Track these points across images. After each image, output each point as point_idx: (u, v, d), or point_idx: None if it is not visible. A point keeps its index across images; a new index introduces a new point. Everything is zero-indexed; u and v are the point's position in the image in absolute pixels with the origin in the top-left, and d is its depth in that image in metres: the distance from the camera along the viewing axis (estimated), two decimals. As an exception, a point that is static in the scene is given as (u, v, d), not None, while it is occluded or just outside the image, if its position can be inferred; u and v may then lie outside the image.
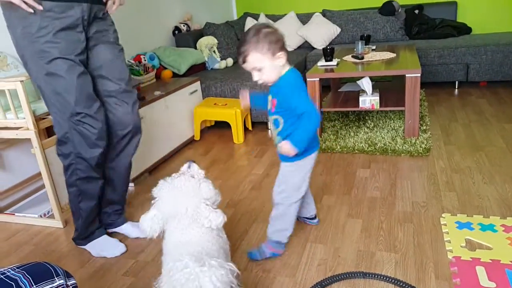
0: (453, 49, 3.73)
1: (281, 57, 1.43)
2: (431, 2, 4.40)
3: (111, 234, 1.91)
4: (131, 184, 2.42)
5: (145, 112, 2.46)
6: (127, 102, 1.71)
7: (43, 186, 2.28)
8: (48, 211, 2.16)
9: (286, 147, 1.45)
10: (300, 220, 1.87)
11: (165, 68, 3.35)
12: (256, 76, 1.46)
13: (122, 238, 1.91)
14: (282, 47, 1.43)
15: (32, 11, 1.42)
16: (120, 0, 1.69)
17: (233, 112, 2.96)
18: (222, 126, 3.29)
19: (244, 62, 1.44)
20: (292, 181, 1.59)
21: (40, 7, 1.42)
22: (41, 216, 2.13)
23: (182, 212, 1.24)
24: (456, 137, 2.71)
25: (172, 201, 1.26)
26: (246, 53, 1.41)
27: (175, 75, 3.38)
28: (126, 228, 1.94)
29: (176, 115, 2.88)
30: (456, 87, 3.89)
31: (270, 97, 1.54)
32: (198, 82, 3.21)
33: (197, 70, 3.66)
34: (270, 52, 1.40)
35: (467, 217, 1.79)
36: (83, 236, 1.82)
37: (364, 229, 1.78)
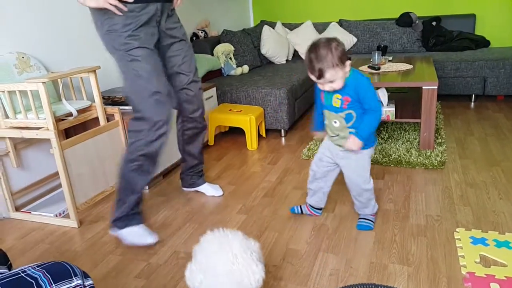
0: (470, 62, 3.71)
1: (348, 65, 1.60)
2: (449, 14, 4.38)
3: (175, 194, 2.35)
4: (146, 187, 2.44)
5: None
6: (193, 90, 2.04)
7: (59, 186, 2.33)
8: (64, 211, 2.19)
9: (355, 141, 1.66)
10: (306, 210, 2.02)
11: (182, 73, 3.38)
12: (327, 87, 1.62)
13: (195, 193, 2.34)
14: (346, 55, 1.59)
15: (120, 13, 1.69)
16: None
17: (247, 118, 2.98)
18: (237, 132, 3.31)
19: (320, 77, 1.58)
20: (368, 165, 1.82)
21: (126, 9, 1.69)
22: (56, 216, 2.16)
23: None
24: (472, 151, 2.68)
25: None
26: (323, 71, 1.55)
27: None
28: (205, 188, 2.34)
29: (191, 120, 2.91)
30: (473, 101, 3.86)
31: (338, 96, 1.67)
32: (214, 88, 3.24)
33: (213, 76, 3.69)
34: (342, 65, 1.56)
35: (481, 233, 1.77)
36: (128, 214, 1.88)
37: (377, 241, 1.78)
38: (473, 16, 4.31)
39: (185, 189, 2.40)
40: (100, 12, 1.72)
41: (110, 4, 1.66)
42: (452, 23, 4.32)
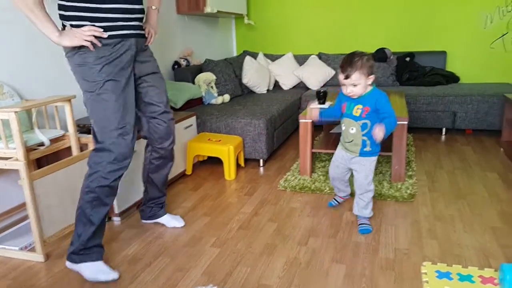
0: (441, 97, 3.88)
1: (371, 79, 2.01)
2: (421, 51, 4.60)
3: (148, 226, 2.34)
4: (118, 219, 2.45)
5: (137, 146, 2.51)
6: (164, 121, 2.09)
7: (26, 217, 2.25)
8: (30, 244, 2.11)
9: (382, 128, 1.95)
10: (340, 199, 2.51)
11: (162, 102, 3.43)
12: (349, 89, 2.01)
13: (162, 227, 2.33)
14: (373, 71, 2.00)
15: (94, 49, 1.74)
16: (155, 31, 2.07)
17: (226, 148, 3.03)
18: (215, 161, 3.35)
19: (347, 78, 1.97)
20: (373, 170, 2.19)
21: (100, 44, 1.75)
22: (21, 249, 2.08)
23: None
24: (441, 183, 2.79)
25: None
26: (351, 72, 1.95)
27: (171, 109, 3.46)
28: (166, 219, 2.34)
29: (170, 149, 2.94)
30: (443, 134, 4.02)
31: (359, 106, 2.05)
32: (194, 117, 3.30)
33: (194, 104, 3.76)
34: (367, 74, 1.98)
35: (447, 267, 1.84)
36: (85, 247, 1.86)
37: (347, 275, 1.82)
38: (444, 53, 4.53)
39: (144, 221, 2.39)
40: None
41: (86, 41, 1.71)
42: (425, 59, 4.53)
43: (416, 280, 1.76)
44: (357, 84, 1.98)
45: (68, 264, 1.90)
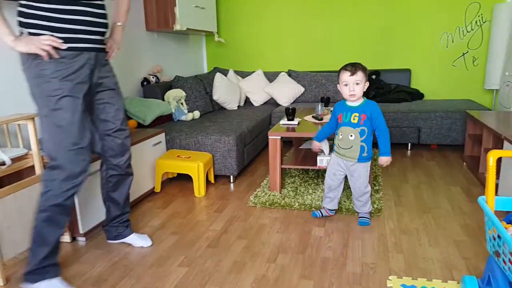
0: (406, 113, 4.01)
1: (367, 85, 2.31)
2: (387, 69, 4.75)
3: (114, 246, 2.28)
4: (83, 239, 2.38)
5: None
6: (120, 138, 2.05)
7: None
8: None
9: (387, 158, 2.32)
10: (325, 212, 2.58)
11: (130, 118, 3.40)
12: (352, 87, 2.26)
13: (129, 247, 2.28)
14: (368, 78, 2.33)
15: (49, 59, 1.69)
16: (117, 47, 2.06)
17: (195, 165, 3.01)
18: (185, 178, 3.32)
19: (353, 74, 2.25)
20: (368, 173, 2.41)
21: (57, 56, 1.70)
22: None
23: None
24: (406, 198, 2.86)
25: None
26: (358, 70, 2.25)
27: (140, 125, 3.43)
28: (132, 239, 2.29)
29: (137, 167, 2.89)
30: (409, 149, 4.14)
31: (356, 114, 2.29)
32: (163, 134, 3.27)
33: (164, 121, 3.73)
34: (366, 79, 2.30)
35: (412, 280, 1.87)
36: (41, 267, 1.80)
37: (314, 290, 1.83)
38: (408, 71, 4.70)
39: (110, 241, 2.33)
40: (29, 55, 1.69)
41: (42, 50, 1.65)
42: (390, 76, 4.68)
43: (382, 294, 1.78)
44: (359, 83, 2.25)
45: (24, 285, 1.82)
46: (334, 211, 2.59)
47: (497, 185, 2.65)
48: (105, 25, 1.89)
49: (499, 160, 2.68)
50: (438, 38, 4.64)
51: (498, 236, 1.45)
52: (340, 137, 2.36)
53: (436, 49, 4.67)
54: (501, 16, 4.04)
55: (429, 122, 3.96)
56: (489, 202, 1.58)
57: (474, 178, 3.22)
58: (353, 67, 2.25)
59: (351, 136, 2.32)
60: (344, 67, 2.29)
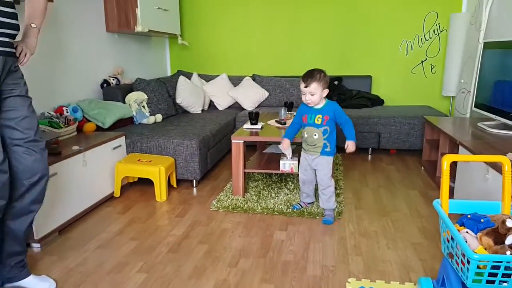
0: (366, 118, 4.10)
1: (326, 92, 2.43)
2: (349, 75, 4.85)
3: (69, 252, 2.15)
4: (38, 245, 2.26)
5: (59, 168, 2.37)
6: (35, 150, 1.75)
7: None
8: None
9: (353, 143, 2.48)
10: (304, 205, 2.76)
11: (89, 121, 3.28)
12: (308, 97, 2.40)
13: (93, 250, 2.18)
14: (328, 86, 2.43)
15: None
16: (30, 51, 1.81)
17: (156, 169, 2.94)
18: (146, 183, 3.24)
19: (306, 86, 2.38)
20: (331, 167, 2.57)
21: None
22: None
23: None
24: (366, 201, 2.91)
25: None
26: (310, 82, 2.37)
27: (99, 128, 3.31)
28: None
29: (96, 171, 2.80)
30: (369, 154, 4.24)
31: (319, 116, 2.44)
32: (123, 137, 3.18)
33: (124, 124, 3.63)
34: (323, 87, 2.40)
35: (370, 282, 1.90)
36: None
37: (275, 295, 1.82)
38: (369, 78, 4.82)
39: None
40: None
41: None
42: (352, 82, 4.78)
43: (342, 297, 1.80)
44: (314, 93, 2.38)
45: None
46: (312, 202, 2.81)
47: (453, 189, 2.75)
48: (14, 27, 1.68)
49: (455, 165, 2.78)
50: (398, 45, 4.79)
51: (452, 238, 1.50)
52: (306, 135, 2.52)
53: (396, 57, 4.82)
54: (457, 25, 4.22)
55: (389, 127, 4.07)
56: (444, 205, 1.63)
57: (432, 182, 3.33)
58: (308, 79, 2.37)
59: (315, 135, 2.48)
60: (302, 77, 2.42)
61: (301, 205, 2.76)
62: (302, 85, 2.41)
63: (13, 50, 1.71)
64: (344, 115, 2.49)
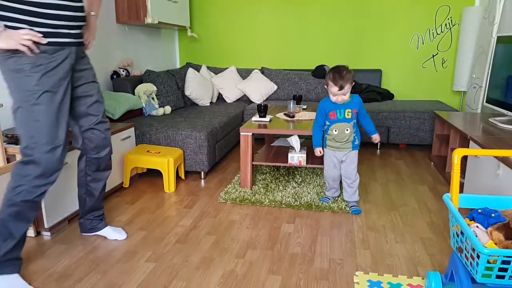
0: (376, 113, 4.07)
1: (353, 84, 2.41)
2: (359, 69, 4.81)
3: (79, 241, 2.24)
4: (48, 233, 2.29)
5: (71, 157, 2.39)
6: (101, 130, 2.04)
7: None
8: None
9: (377, 135, 2.62)
10: (332, 199, 2.76)
11: (99, 112, 3.29)
12: (340, 98, 2.39)
13: (102, 240, 2.26)
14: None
15: (32, 55, 1.65)
16: (93, 37, 2.04)
17: (165, 160, 2.96)
18: (154, 174, 3.26)
19: (341, 89, 2.35)
20: (357, 161, 2.60)
21: (38, 50, 1.66)
22: None
23: None
24: (374, 195, 2.90)
25: None
26: (344, 84, 2.34)
27: (109, 119, 3.33)
28: (107, 231, 2.27)
29: (106, 161, 2.82)
30: (378, 148, 4.21)
31: (349, 110, 2.45)
32: (132, 128, 3.19)
33: (134, 115, 3.65)
34: (352, 83, 2.39)
35: (378, 276, 1.90)
36: (2, 260, 1.76)
37: (282, 286, 1.82)
38: (379, 71, 4.78)
39: (84, 234, 2.30)
40: (6, 49, 1.64)
41: (23, 45, 1.62)
42: (362, 76, 4.74)
43: (349, 290, 1.80)
44: (347, 93, 2.38)
45: None
46: (339, 195, 2.82)
47: (462, 184, 2.73)
48: (84, 19, 1.87)
49: (465, 160, 2.76)
50: (409, 39, 4.74)
51: (461, 233, 1.49)
52: (335, 132, 2.49)
53: (407, 51, 4.77)
54: (470, 19, 4.16)
55: (398, 122, 4.04)
56: (454, 199, 1.62)
57: (441, 177, 3.30)
58: (340, 82, 2.33)
59: (347, 130, 2.47)
60: (333, 78, 2.35)
61: (329, 198, 2.74)
62: (335, 88, 2.35)
63: (82, 40, 1.89)
64: (363, 109, 2.54)
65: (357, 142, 2.53)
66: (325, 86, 2.46)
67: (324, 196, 2.78)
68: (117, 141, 2.96)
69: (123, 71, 3.90)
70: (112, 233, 2.27)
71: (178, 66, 5.41)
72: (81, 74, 1.91)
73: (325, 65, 4.72)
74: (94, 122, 2.00)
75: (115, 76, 3.80)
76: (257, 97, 4.72)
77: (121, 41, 4.01)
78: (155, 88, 3.85)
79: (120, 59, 3.99)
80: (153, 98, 3.84)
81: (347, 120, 2.46)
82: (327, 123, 2.52)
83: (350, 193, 2.61)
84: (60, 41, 1.74)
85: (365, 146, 4.29)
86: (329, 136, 2.53)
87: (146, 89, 3.76)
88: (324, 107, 2.50)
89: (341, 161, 2.58)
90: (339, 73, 2.34)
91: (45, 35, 1.68)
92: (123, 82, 3.75)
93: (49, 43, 1.70)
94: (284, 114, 3.36)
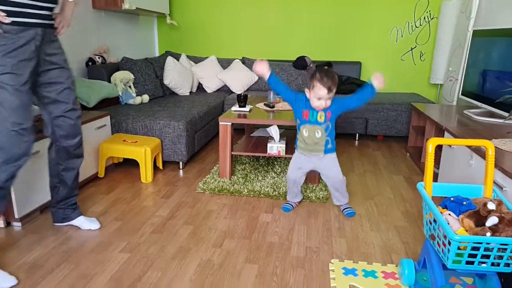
0: (355, 104, 4.10)
1: None
2: (339, 61, 4.83)
3: (51, 231, 2.19)
4: (19, 224, 2.23)
5: (41, 146, 2.31)
6: (72, 118, 1.99)
7: None
8: None
9: (381, 80, 2.25)
10: (294, 205, 2.57)
11: (74, 100, 3.21)
12: (324, 103, 2.19)
13: (76, 230, 2.21)
14: None
15: None
16: (67, 23, 1.96)
17: (142, 150, 2.91)
18: (131, 164, 3.21)
19: (329, 91, 2.15)
20: (338, 163, 2.44)
21: (0, 30, 1.62)
22: None
23: None
24: (352, 185, 2.93)
25: None
26: (334, 87, 2.15)
27: (83, 107, 3.25)
28: (80, 221, 2.22)
29: (80, 150, 2.75)
30: (357, 139, 4.25)
31: (322, 113, 2.25)
32: (108, 117, 3.12)
33: (110, 104, 3.57)
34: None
35: (353, 263, 1.92)
36: None
37: (259, 275, 1.82)
38: (359, 64, 4.81)
39: (57, 224, 2.25)
40: None
41: None
42: (342, 68, 4.76)
43: (324, 277, 1.81)
44: (331, 97, 2.22)
45: None
46: (301, 200, 2.64)
47: (436, 175, 2.78)
48: (53, 0, 1.83)
49: (439, 151, 2.81)
50: (388, 32, 4.77)
51: (434, 220, 1.51)
52: (306, 134, 2.32)
53: (386, 43, 4.81)
54: (448, 13, 4.22)
55: (377, 113, 4.08)
56: (427, 187, 1.64)
57: (416, 167, 3.36)
58: (330, 85, 2.13)
59: (318, 133, 2.30)
60: (321, 80, 2.13)
61: (291, 205, 2.54)
62: (323, 91, 2.14)
63: (52, 22, 1.85)
64: (343, 98, 2.30)
65: (330, 146, 2.35)
66: (306, 90, 2.25)
67: (286, 202, 2.59)
68: (91, 129, 2.89)
69: (98, 58, 3.81)
70: (85, 223, 2.22)
71: (157, 54, 5.31)
72: (50, 58, 1.86)
73: (306, 56, 4.69)
74: (64, 109, 1.96)
75: (90, 63, 3.70)
76: (238, 87, 4.69)
77: (97, 27, 3.91)
78: (132, 76, 3.78)
79: (95, 45, 3.89)
80: (130, 87, 3.77)
81: (318, 123, 2.28)
82: (298, 121, 2.36)
83: (339, 198, 2.49)
84: (25, 21, 1.68)
85: (344, 137, 4.32)
86: (300, 137, 2.37)
87: (123, 77, 3.68)
88: (301, 100, 2.31)
89: (321, 170, 2.43)
90: (329, 75, 2.15)
91: (9, 14, 1.62)
92: (99, 69, 3.65)
93: (13, 23, 1.64)
94: (264, 104, 3.35)
